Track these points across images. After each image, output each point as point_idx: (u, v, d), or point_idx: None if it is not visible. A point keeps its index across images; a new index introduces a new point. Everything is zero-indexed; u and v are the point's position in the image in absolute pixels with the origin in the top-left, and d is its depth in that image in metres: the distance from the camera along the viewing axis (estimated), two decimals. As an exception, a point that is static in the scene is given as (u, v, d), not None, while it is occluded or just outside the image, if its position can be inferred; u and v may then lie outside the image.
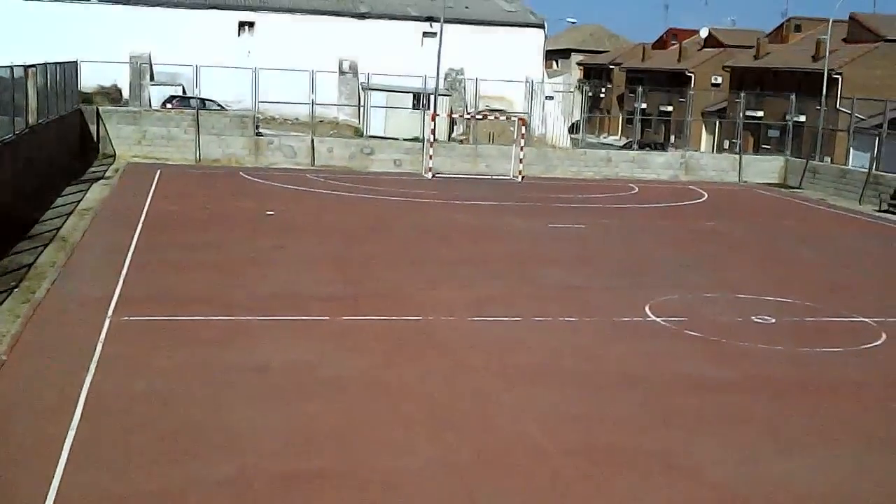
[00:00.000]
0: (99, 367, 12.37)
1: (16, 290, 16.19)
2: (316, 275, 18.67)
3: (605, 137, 77.76)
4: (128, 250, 19.58)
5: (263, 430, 10.68)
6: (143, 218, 23.38)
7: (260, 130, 39.36)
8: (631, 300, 17.76)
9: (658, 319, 16.52)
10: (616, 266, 21.42)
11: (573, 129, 56.34)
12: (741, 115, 44.44)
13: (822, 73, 47.28)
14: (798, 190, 38.68)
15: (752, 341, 15.53)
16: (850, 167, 38.81)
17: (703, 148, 68.43)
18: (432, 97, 41.33)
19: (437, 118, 36.90)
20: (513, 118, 39.21)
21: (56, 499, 8.74)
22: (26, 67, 26.27)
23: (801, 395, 13.19)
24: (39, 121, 27.76)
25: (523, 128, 36.63)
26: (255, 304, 16.07)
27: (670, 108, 73.53)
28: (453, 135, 46.91)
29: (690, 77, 75.28)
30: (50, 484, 9.00)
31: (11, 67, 24.01)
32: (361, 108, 47.07)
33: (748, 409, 12.36)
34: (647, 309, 17.10)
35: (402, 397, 12.05)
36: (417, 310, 16.30)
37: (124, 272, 17.71)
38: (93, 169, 32.27)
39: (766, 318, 17.10)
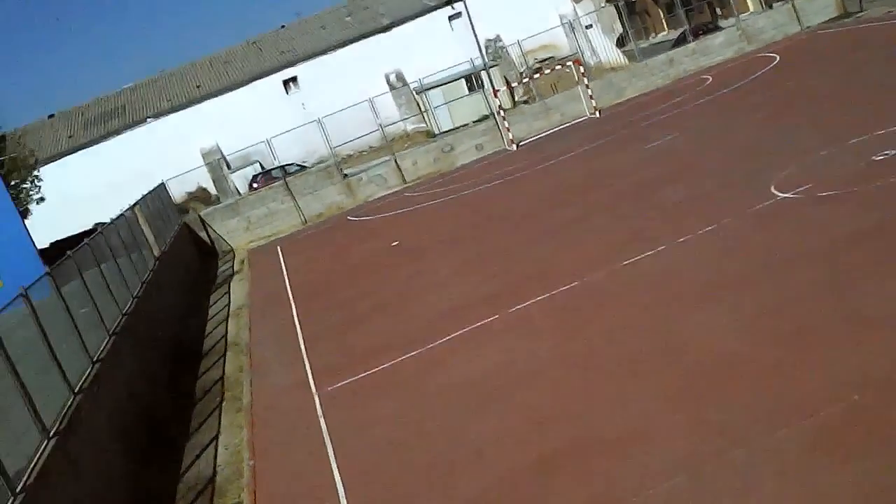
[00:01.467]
0: (332, 436, 13.73)
1: (223, 403, 17.76)
2: (463, 281, 19.79)
3: (653, 38, 77.07)
4: (294, 329, 21.07)
5: (497, 434, 11.83)
6: (289, 296, 24.91)
7: (345, 172, 40.92)
8: (756, 187, 18.36)
9: (787, 195, 17.17)
10: (726, 161, 21.98)
11: (620, 42, 56.52)
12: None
13: None
14: (860, 14, 38.28)
15: (885, 178, 16.02)
16: (903, -31, 38.20)
17: (750, 7, 67.56)
18: (484, 74, 42.25)
19: (499, 93, 37.77)
20: (568, 63, 39.74)
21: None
22: (132, 207, 28.16)
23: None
24: (163, 249, 29.65)
25: (581, 67, 37.21)
26: (428, 332, 17.26)
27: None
28: (517, 99, 47.69)
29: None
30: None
31: (123, 214, 25.84)
32: (424, 112, 48.18)
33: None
34: (772, 188, 17.75)
35: (598, 369, 13.04)
36: (569, 277, 17.28)
37: (303, 350, 19.16)
38: (222, 268, 34.16)
39: (887, 151, 17.55)
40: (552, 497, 9.91)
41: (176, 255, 31.44)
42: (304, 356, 18.70)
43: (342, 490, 11.92)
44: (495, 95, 37.05)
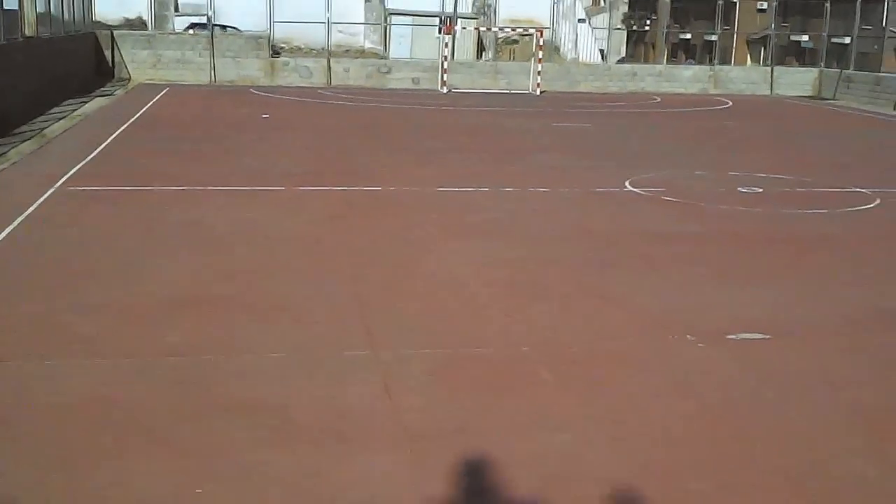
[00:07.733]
0: (23, 223, 11.98)
1: (-19, 169, 15.92)
2: (289, 160, 18.03)
3: (649, 70, 75.81)
4: (104, 141, 19.20)
5: (173, 268, 10.20)
6: (133, 119, 23.02)
7: (277, 49, 38.85)
8: (613, 176, 16.90)
9: (636, 189, 15.73)
10: (610, 153, 20.56)
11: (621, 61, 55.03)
12: (772, 25, 42.73)
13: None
14: (832, 101, 37.11)
15: (732, 205, 14.71)
16: (884, 73, 37.10)
17: (748, 63, 66.48)
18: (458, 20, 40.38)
19: (454, 32, 36.01)
20: (530, 31, 37.93)
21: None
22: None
23: (765, 244, 12.31)
24: (41, 33, 27.40)
25: (542, 39, 35.46)
26: (214, 179, 15.59)
27: (714, 38, 71.52)
28: (482, 59, 45.85)
29: (735, 3, 72.97)
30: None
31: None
32: (385, 33, 46.16)
33: (700, 255, 11.63)
34: (627, 183, 16.28)
35: (331, 246, 11.48)
36: (380, 182, 15.71)
37: (91, 156, 17.32)
38: (103, 88, 31.99)
39: (754, 188, 16.21)
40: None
41: (56, 50, 29.06)
42: (86, 160, 16.83)
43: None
44: (448, 31, 35.25)
